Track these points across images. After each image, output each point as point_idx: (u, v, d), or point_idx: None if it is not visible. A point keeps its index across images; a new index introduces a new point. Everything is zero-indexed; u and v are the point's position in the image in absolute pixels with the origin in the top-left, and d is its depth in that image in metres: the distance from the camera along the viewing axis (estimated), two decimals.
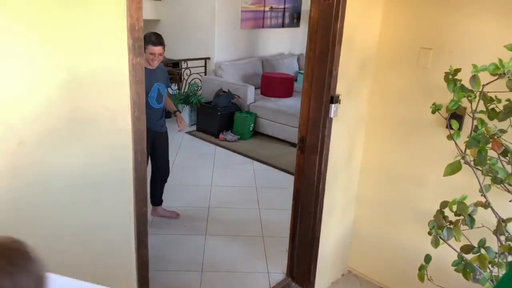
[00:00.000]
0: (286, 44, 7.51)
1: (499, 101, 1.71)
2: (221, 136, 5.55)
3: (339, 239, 2.88)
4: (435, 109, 1.87)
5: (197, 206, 3.86)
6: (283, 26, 7.29)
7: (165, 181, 3.56)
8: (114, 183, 1.46)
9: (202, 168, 4.74)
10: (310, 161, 2.51)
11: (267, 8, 6.94)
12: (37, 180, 1.25)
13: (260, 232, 3.49)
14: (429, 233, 1.77)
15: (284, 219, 3.07)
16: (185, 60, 6.37)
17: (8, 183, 1.19)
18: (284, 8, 7.22)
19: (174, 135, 5.65)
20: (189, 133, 5.79)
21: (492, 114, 1.63)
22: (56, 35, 1.21)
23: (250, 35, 6.88)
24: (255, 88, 5.97)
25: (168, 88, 3.52)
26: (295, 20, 7.46)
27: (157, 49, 3.05)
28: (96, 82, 1.32)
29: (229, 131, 5.64)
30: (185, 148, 5.31)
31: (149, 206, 3.51)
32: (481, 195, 1.77)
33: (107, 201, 1.46)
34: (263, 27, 6.97)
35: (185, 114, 5.99)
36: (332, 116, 2.36)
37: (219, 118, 5.60)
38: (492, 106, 1.73)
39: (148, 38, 2.97)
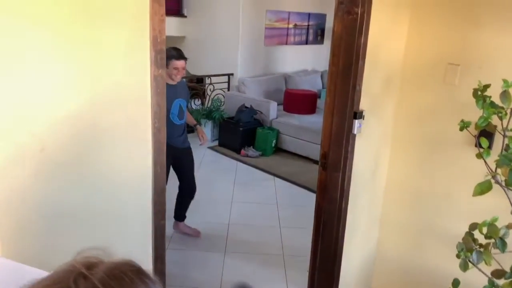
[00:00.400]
0: (310, 61, 7.51)
1: None
2: (243, 151, 5.54)
3: (363, 260, 2.79)
4: (464, 126, 1.79)
5: (216, 222, 3.83)
6: (307, 43, 7.30)
7: (192, 198, 3.50)
8: (133, 193, 1.45)
9: (223, 183, 4.73)
10: (333, 178, 2.45)
11: (291, 26, 6.99)
12: (57, 187, 1.25)
13: (280, 251, 3.43)
14: (458, 256, 1.68)
15: (305, 237, 3.00)
16: (209, 76, 6.44)
17: (31, 188, 1.20)
18: (308, 25, 7.25)
19: (196, 149, 5.64)
20: (211, 148, 5.80)
21: None
22: (80, 48, 1.23)
23: (274, 51, 6.92)
24: (278, 104, 5.96)
25: (188, 104, 3.56)
26: (319, 37, 7.47)
27: (181, 63, 3.06)
28: (118, 93, 1.33)
29: (251, 146, 5.63)
30: (207, 163, 5.31)
31: (170, 219, 3.49)
32: None
33: (125, 211, 1.45)
34: (286, 44, 7.00)
35: (208, 129, 6.02)
36: (355, 132, 2.31)
37: (241, 133, 5.60)
38: None
39: (169, 53, 2.96)
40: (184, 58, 3.10)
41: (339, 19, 2.24)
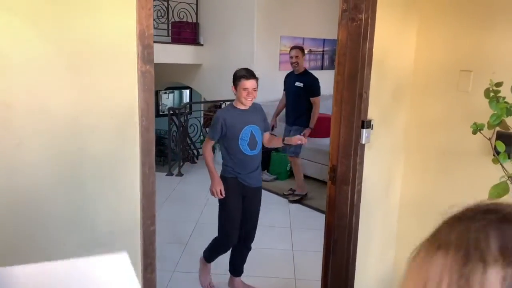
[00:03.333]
0: (326, 86, 7.42)
1: None
2: None
3: (378, 281, 2.60)
4: (476, 128, 1.68)
5: None
6: (322, 68, 7.28)
7: (250, 249, 3.00)
8: (119, 197, 1.38)
9: None
10: (342, 192, 2.33)
11: (306, 51, 7.00)
12: (34, 183, 1.20)
13: (292, 274, 3.26)
14: None
15: (318, 261, 2.84)
16: (225, 101, 6.46)
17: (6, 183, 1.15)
18: (323, 51, 7.26)
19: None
20: None
21: None
22: (63, 38, 1.20)
23: None
24: None
25: (268, 132, 3.03)
26: (334, 62, 7.45)
27: (250, 83, 2.70)
28: (102, 88, 1.29)
29: (266, 170, 5.53)
30: None
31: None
32: None
33: (110, 217, 1.38)
34: None
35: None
36: (363, 142, 2.20)
37: None
38: None
39: (238, 73, 2.74)
40: (255, 78, 2.73)
41: (343, 27, 2.20)
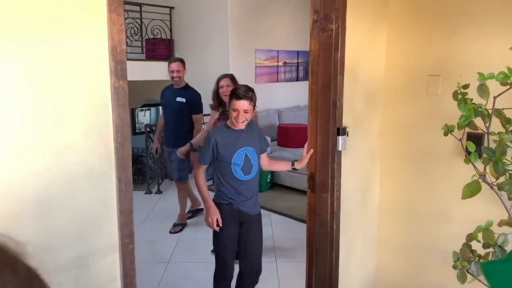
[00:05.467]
0: (302, 97, 7.55)
1: None
2: None
3: (361, 286, 2.61)
4: (447, 130, 1.72)
5: (209, 261, 3.66)
6: (297, 80, 7.38)
7: (256, 282, 2.71)
8: (95, 215, 1.36)
9: None
10: (322, 199, 2.34)
11: (280, 63, 7.10)
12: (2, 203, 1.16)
13: (277, 285, 3.24)
14: (454, 267, 1.56)
15: (302, 271, 2.84)
16: (203, 116, 6.44)
17: None
18: (298, 62, 7.36)
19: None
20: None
21: (506, 120, 1.49)
22: (31, 56, 1.18)
23: (266, 89, 6.98)
24: (272, 140, 5.92)
25: (265, 153, 2.76)
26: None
27: (241, 104, 2.41)
28: (75, 105, 1.27)
29: None
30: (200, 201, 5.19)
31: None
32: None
33: (87, 237, 1.35)
34: (277, 81, 7.08)
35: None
36: (340, 149, 2.23)
37: None
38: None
39: (233, 91, 2.50)
40: (248, 99, 2.42)
41: (314, 37, 2.24)
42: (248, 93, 2.45)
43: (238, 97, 2.42)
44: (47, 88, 1.22)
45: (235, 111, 2.43)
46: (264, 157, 2.72)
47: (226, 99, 3.45)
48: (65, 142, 1.26)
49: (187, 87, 4.27)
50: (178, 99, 4.17)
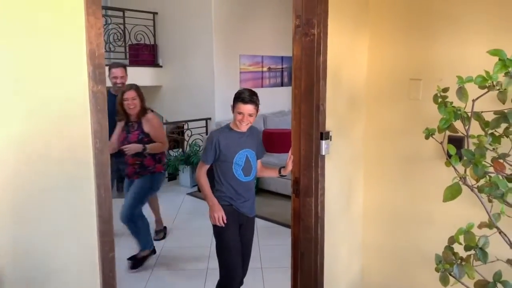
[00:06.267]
0: (287, 102, 7.59)
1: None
2: None
3: None
4: (428, 133, 1.73)
5: (195, 268, 3.62)
6: (282, 85, 7.42)
7: (242, 283, 2.75)
8: (74, 222, 1.32)
9: (202, 229, 4.52)
10: (306, 204, 2.34)
11: (265, 69, 7.12)
12: None
13: None
14: (437, 270, 1.56)
15: (288, 277, 2.83)
16: (186, 122, 6.42)
17: None
18: (282, 68, 7.40)
19: (174, 196, 5.52)
20: (190, 194, 5.66)
21: (485, 123, 1.51)
22: (9, 61, 1.15)
23: None
24: None
25: (260, 159, 2.83)
26: None
27: (247, 108, 2.50)
28: (52, 110, 1.24)
29: None
30: (186, 209, 5.15)
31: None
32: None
33: (65, 245, 1.32)
34: (262, 86, 7.10)
35: (186, 175, 5.91)
36: (323, 153, 2.23)
37: None
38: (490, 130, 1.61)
39: (238, 94, 2.56)
40: (253, 103, 2.52)
41: (297, 42, 2.24)
42: (253, 97, 2.54)
43: (244, 101, 2.52)
44: (19, 94, 1.19)
45: (240, 114, 2.53)
46: (258, 163, 2.81)
47: (130, 111, 3.48)
48: (42, 148, 1.23)
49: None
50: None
